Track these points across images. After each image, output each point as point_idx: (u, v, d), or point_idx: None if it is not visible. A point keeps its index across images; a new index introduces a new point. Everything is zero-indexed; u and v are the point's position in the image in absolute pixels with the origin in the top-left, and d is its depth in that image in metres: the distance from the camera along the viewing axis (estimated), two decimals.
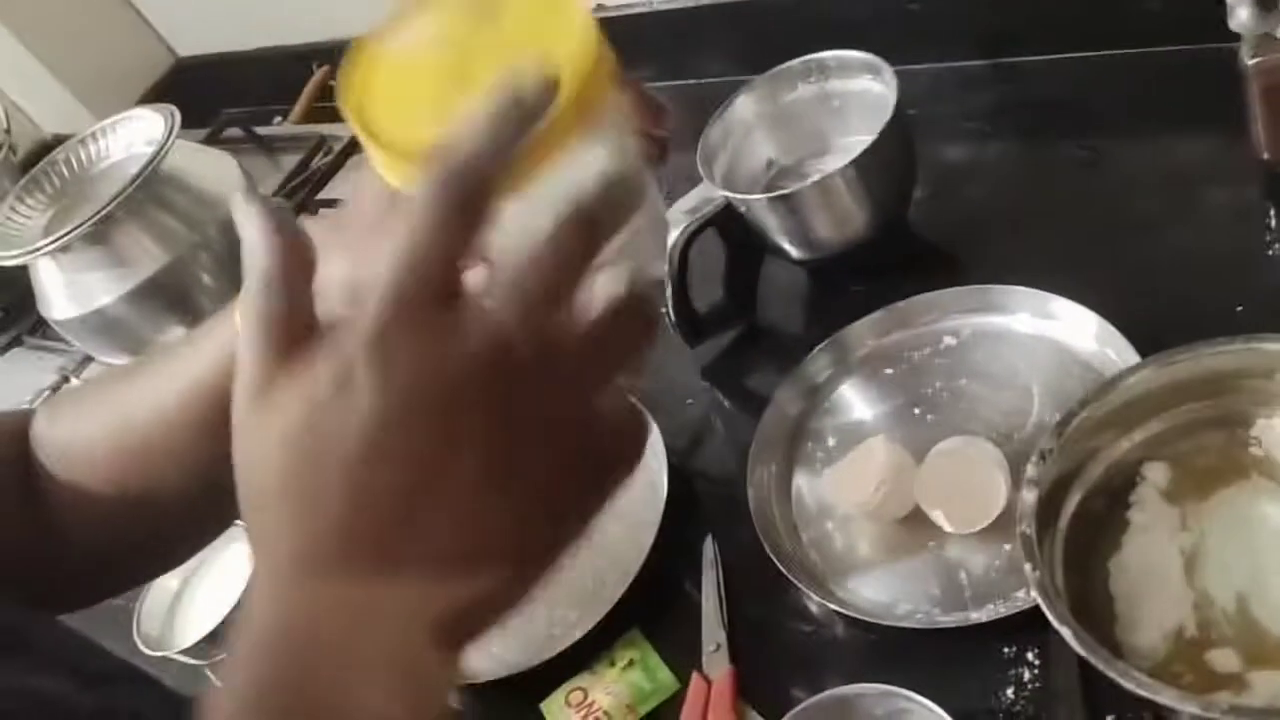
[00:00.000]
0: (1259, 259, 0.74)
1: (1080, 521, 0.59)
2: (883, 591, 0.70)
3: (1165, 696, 0.48)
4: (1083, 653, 0.50)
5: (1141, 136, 0.86)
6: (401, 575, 0.33)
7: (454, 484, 0.32)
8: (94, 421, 0.54)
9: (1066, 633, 0.51)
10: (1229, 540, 0.56)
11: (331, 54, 1.43)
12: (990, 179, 0.90)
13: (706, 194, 0.85)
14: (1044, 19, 0.94)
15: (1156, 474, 0.60)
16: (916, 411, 0.77)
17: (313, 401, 0.32)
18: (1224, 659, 0.53)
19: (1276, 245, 0.74)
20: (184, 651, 0.88)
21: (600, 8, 1.14)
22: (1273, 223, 0.75)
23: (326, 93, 1.45)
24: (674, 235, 0.82)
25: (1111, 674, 0.49)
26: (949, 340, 0.80)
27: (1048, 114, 0.93)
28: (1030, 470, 0.57)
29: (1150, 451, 0.61)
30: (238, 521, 0.57)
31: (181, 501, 0.53)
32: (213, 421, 0.47)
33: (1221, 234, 0.76)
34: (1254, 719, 0.49)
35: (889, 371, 0.81)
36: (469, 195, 0.32)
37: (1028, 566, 0.54)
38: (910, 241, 0.89)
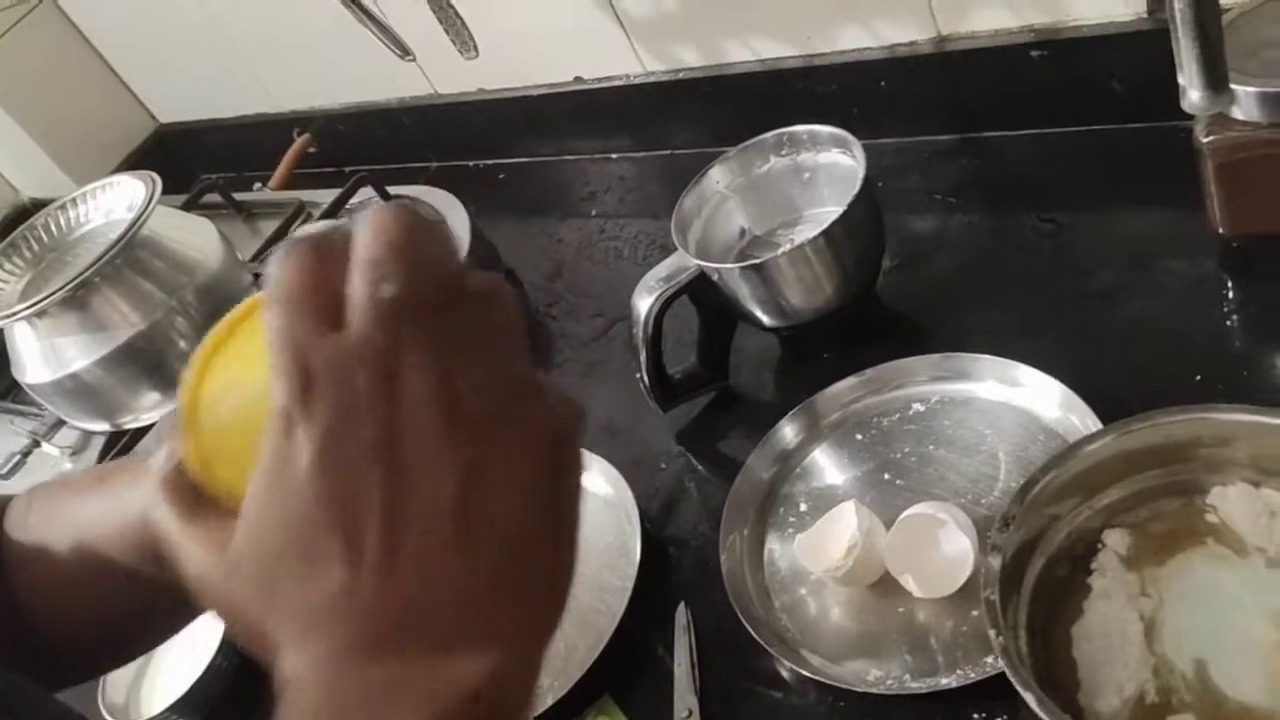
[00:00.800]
0: (1216, 329, 0.76)
1: (1043, 587, 0.60)
2: (854, 657, 0.70)
3: None
4: (1047, 719, 0.51)
5: (1102, 210, 0.88)
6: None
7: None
8: (52, 527, 0.56)
9: (1030, 699, 0.51)
10: (1186, 606, 0.57)
11: (311, 122, 1.46)
12: (956, 250, 0.92)
13: (680, 262, 0.86)
14: (1008, 97, 0.97)
15: (1116, 540, 0.61)
16: (886, 477, 0.79)
17: (263, 466, 0.33)
18: None
19: (1233, 316, 0.76)
20: None
21: (579, 80, 1.17)
22: (1229, 294, 0.77)
23: (306, 160, 1.46)
24: (649, 302, 0.84)
25: None
26: (917, 407, 0.81)
27: (1012, 188, 0.96)
28: (994, 536, 0.58)
29: (1110, 518, 0.62)
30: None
31: (133, 609, 0.55)
32: (152, 552, 0.48)
33: (1180, 305, 0.78)
34: None
35: (859, 437, 0.82)
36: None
37: (992, 633, 0.55)
38: (879, 310, 0.91)
